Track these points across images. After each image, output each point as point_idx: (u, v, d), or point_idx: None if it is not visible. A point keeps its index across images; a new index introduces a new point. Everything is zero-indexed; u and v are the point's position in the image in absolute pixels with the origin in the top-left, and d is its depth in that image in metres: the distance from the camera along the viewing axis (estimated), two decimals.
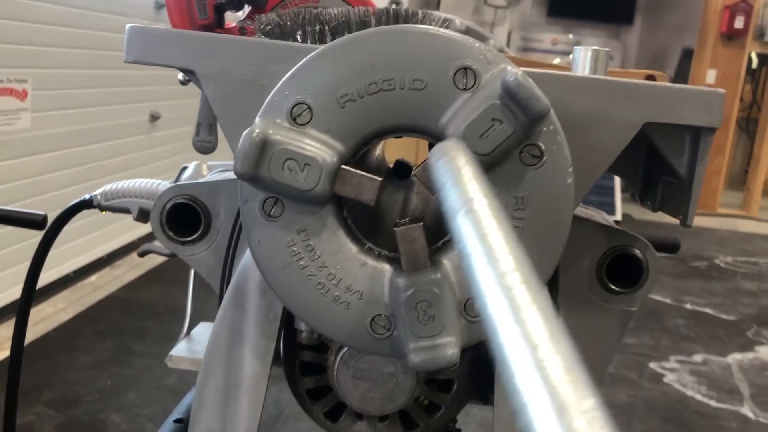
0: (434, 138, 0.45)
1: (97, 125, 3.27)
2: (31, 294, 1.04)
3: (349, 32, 0.52)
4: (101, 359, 2.69)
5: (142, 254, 1.17)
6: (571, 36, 7.26)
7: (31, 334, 2.87)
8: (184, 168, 0.93)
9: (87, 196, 1.02)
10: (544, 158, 0.45)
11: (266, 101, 0.45)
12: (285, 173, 0.43)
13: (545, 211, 0.45)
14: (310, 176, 0.43)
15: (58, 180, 3.08)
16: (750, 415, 2.49)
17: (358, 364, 0.54)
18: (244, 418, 0.54)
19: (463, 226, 0.27)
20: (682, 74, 6.24)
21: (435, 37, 0.44)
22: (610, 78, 0.53)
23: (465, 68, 0.44)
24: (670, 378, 2.73)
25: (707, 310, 3.55)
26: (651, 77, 0.75)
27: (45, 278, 3.16)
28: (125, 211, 1.00)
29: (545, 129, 0.44)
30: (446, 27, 0.47)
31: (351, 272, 0.46)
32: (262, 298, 0.52)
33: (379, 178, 0.44)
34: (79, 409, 2.33)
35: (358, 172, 0.44)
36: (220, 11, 0.64)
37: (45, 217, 1.24)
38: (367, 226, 0.47)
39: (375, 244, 0.47)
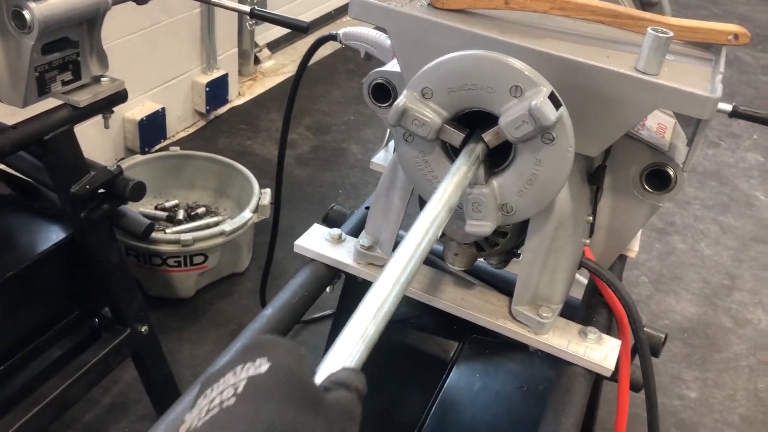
0: (495, 117, 0.80)
1: None
2: (297, 84, 1.55)
3: None
4: (349, 96, 3.31)
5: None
6: None
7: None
8: None
9: (333, 32, 1.44)
10: (555, 141, 0.79)
11: (410, 81, 0.83)
12: (413, 126, 0.82)
13: (552, 167, 0.81)
14: (425, 129, 0.82)
15: None
16: None
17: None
18: (391, 225, 1.01)
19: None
20: None
21: (504, 64, 0.77)
22: (634, 75, 0.81)
23: (516, 86, 0.77)
24: None
25: None
26: (735, 35, 0.98)
27: (312, 14, 3.74)
28: (356, 48, 1.42)
29: (558, 124, 0.78)
30: None
31: (443, 175, 0.86)
32: (404, 175, 0.95)
33: (463, 134, 0.82)
34: (329, 136, 3.01)
35: (451, 128, 0.82)
36: None
37: (309, 25, 1.71)
38: (456, 153, 0.86)
39: None
